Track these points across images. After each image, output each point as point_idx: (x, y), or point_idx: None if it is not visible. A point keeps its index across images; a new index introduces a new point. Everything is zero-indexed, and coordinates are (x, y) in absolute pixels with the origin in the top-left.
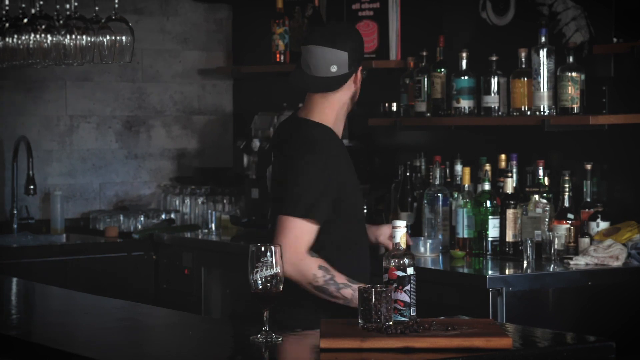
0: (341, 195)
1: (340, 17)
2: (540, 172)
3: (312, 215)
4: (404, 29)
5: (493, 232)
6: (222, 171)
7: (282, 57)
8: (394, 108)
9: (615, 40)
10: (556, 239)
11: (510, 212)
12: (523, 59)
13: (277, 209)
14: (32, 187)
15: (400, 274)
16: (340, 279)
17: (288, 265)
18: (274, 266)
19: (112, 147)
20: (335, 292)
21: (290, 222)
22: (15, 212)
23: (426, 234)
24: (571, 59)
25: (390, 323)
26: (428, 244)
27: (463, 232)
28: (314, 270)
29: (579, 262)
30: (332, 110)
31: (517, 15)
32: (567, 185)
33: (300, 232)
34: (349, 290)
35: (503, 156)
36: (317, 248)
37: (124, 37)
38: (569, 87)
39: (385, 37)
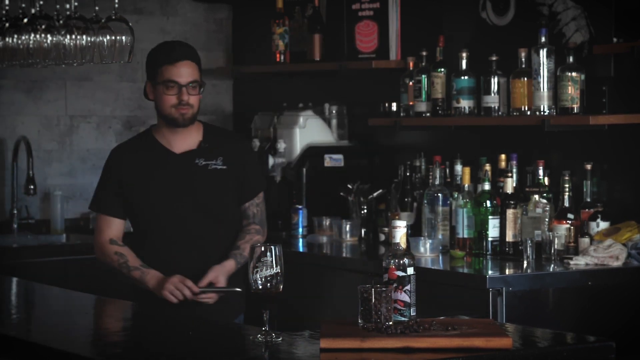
0: (126, 193)
1: (340, 17)
2: (540, 172)
3: (100, 209)
4: (404, 29)
5: (493, 232)
6: None
7: (282, 57)
8: (394, 108)
9: (615, 40)
10: (556, 239)
11: (510, 212)
12: (523, 59)
13: None
14: (32, 187)
15: (400, 274)
16: (134, 263)
17: (97, 253)
18: (274, 266)
19: (112, 147)
20: (127, 273)
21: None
22: (15, 212)
23: (426, 234)
24: (571, 59)
25: (390, 323)
26: (428, 244)
27: (463, 232)
28: (109, 256)
29: (579, 262)
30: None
31: (517, 15)
32: (567, 185)
33: (99, 224)
34: (138, 272)
35: (503, 156)
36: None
37: (124, 37)
38: (569, 87)
39: (385, 37)
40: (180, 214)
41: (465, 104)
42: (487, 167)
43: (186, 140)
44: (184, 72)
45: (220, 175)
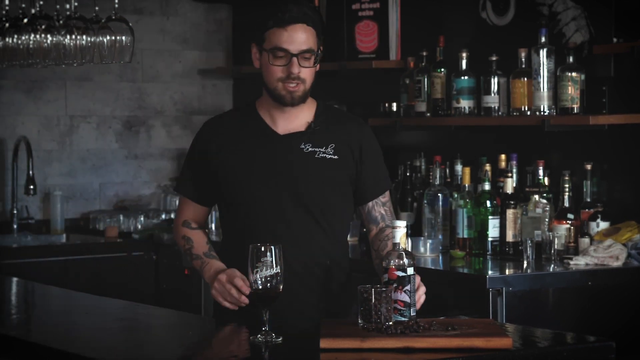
0: (214, 174)
1: (340, 17)
2: (540, 172)
3: (179, 190)
4: (404, 29)
5: (493, 232)
6: None
7: None
8: (394, 108)
9: (615, 40)
10: (556, 239)
11: (510, 212)
12: (523, 59)
13: None
14: (32, 187)
15: (400, 274)
16: (198, 250)
17: (174, 236)
18: (274, 266)
19: (112, 147)
20: (190, 262)
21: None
22: (15, 212)
23: (426, 234)
24: (571, 59)
25: (390, 323)
26: (428, 244)
27: (463, 232)
28: (178, 239)
29: (579, 262)
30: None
31: (517, 15)
32: (567, 185)
33: (179, 205)
34: (198, 262)
35: (503, 156)
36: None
37: (124, 37)
38: (569, 87)
39: (385, 37)
40: (278, 207)
41: (465, 104)
42: (487, 167)
43: (293, 120)
44: (297, 38)
45: (328, 167)
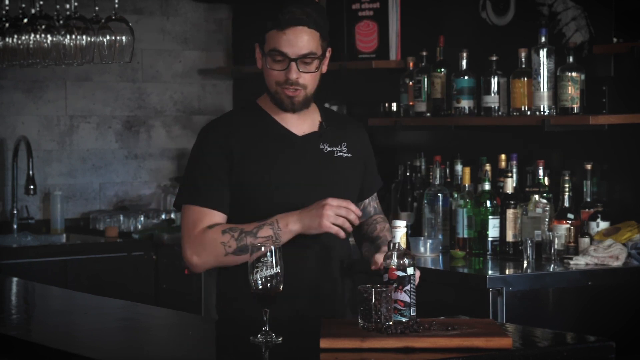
0: (235, 181)
1: (340, 17)
2: (540, 172)
3: (198, 201)
4: (404, 29)
5: (493, 232)
6: None
7: None
8: (394, 108)
9: (615, 40)
10: (556, 239)
11: (510, 212)
12: (523, 59)
13: None
14: (32, 187)
15: (400, 274)
16: (249, 226)
17: (189, 254)
18: (274, 266)
19: (112, 147)
20: (254, 240)
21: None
22: (15, 212)
23: (426, 234)
24: (571, 59)
25: (390, 323)
26: (428, 244)
27: (463, 232)
28: (219, 238)
29: (579, 262)
30: None
31: (517, 15)
32: (567, 185)
33: (191, 218)
34: (267, 229)
35: (503, 156)
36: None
37: (124, 37)
38: (569, 87)
39: (385, 37)
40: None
41: (465, 104)
42: (487, 167)
43: (305, 120)
44: (297, 42)
45: (346, 165)
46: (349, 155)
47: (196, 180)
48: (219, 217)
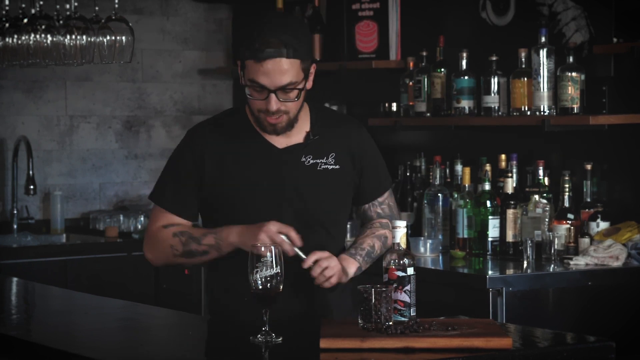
0: (207, 191)
1: (340, 17)
2: (540, 172)
3: (161, 203)
4: (404, 29)
5: (493, 232)
6: None
7: None
8: (394, 108)
9: (615, 40)
10: (556, 239)
11: (510, 212)
12: (523, 59)
13: None
14: (32, 187)
15: (400, 274)
16: (198, 232)
17: (148, 247)
18: (274, 266)
19: (112, 147)
20: (197, 249)
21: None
22: (15, 212)
23: (426, 234)
24: (571, 59)
25: (390, 323)
26: (428, 244)
27: (463, 232)
28: (168, 240)
29: (579, 262)
30: None
31: (517, 15)
32: (567, 185)
33: (154, 214)
34: (210, 237)
35: (503, 156)
36: None
37: (124, 37)
38: (569, 87)
39: (385, 37)
40: (279, 221)
41: (465, 104)
42: (487, 167)
43: (291, 132)
44: (275, 74)
45: (330, 178)
46: (336, 167)
47: (165, 182)
48: (179, 220)
